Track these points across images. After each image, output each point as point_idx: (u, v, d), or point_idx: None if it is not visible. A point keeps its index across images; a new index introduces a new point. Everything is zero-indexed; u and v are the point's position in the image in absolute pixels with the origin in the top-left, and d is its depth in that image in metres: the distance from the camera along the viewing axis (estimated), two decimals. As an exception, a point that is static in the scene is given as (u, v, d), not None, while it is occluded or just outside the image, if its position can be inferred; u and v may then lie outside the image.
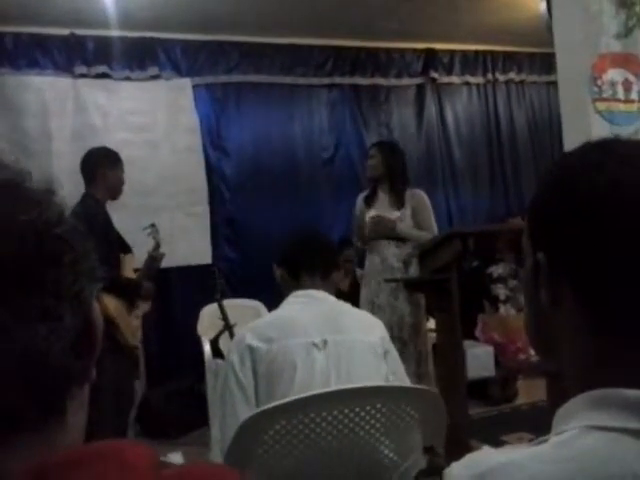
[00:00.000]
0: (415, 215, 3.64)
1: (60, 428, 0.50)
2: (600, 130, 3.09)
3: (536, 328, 0.73)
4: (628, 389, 0.59)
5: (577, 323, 0.65)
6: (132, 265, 3.39)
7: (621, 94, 3.20)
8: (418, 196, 3.70)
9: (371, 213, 3.68)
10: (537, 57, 6.29)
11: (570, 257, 0.64)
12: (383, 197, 3.72)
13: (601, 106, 3.17)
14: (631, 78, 3.20)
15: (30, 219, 0.48)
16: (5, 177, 0.50)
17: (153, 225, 3.55)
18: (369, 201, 3.76)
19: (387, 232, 3.57)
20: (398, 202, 3.64)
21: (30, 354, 0.46)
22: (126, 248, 3.36)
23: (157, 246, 3.49)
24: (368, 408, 1.57)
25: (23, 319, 0.46)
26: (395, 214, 3.61)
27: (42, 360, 0.46)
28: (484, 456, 0.62)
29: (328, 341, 1.74)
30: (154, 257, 3.45)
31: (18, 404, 0.46)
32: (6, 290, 0.45)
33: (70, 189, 3.52)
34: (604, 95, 3.18)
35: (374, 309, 3.57)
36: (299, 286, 1.88)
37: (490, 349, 2.90)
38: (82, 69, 4.80)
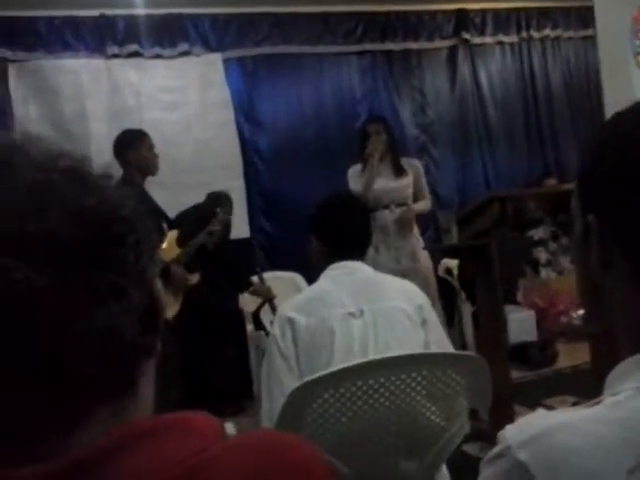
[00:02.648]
0: (415, 183, 3.92)
1: (134, 400, 0.53)
2: (642, 85, 3.00)
3: (586, 290, 0.73)
4: None
5: (629, 285, 0.64)
6: (174, 239, 3.46)
7: (664, 47, 3.09)
8: (415, 165, 4.02)
9: (377, 184, 3.78)
10: (572, 12, 6.09)
11: (622, 218, 0.64)
12: (384, 168, 3.86)
13: (643, 60, 3.07)
14: (675, 30, 3.08)
15: (96, 203, 0.50)
16: (68, 164, 0.52)
17: (219, 207, 3.74)
18: None
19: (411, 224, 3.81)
20: (402, 171, 3.89)
21: (107, 331, 0.48)
22: (170, 224, 3.45)
23: (217, 222, 3.60)
24: (414, 375, 1.59)
25: (99, 298, 0.48)
26: (403, 182, 3.86)
27: (117, 336, 0.49)
28: (538, 418, 0.63)
29: (364, 310, 1.77)
30: (212, 232, 3.55)
31: (97, 378, 0.48)
32: (82, 271, 0.48)
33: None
34: (646, 49, 3.07)
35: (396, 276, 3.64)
36: (335, 259, 1.89)
37: (532, 313, 2.89)
38: (114, 49, 4.84)
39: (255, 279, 4.20)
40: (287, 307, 1.81)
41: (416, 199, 3.90)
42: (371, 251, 3.79)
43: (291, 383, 1.65)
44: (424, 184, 3.98)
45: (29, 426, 0.47)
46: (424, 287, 3.62)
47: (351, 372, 1.56)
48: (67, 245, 0.47)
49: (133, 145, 3.35)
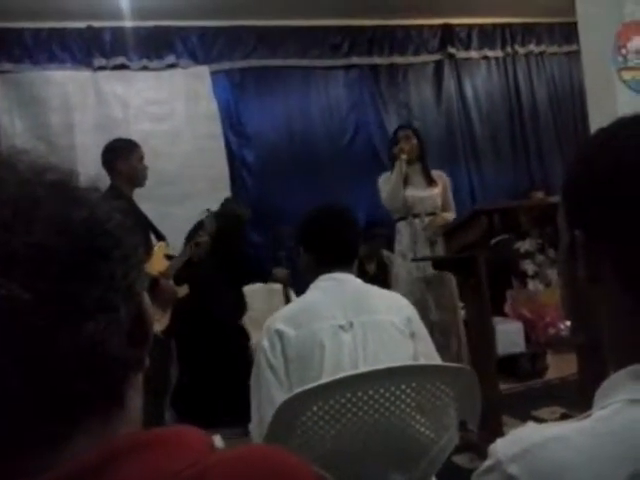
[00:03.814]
0: (442, 194, 3.92)
1: (121, 414, 0.52)
2: (626, 100, 3.04)
3: (573, 304, 0.73)
4: None
5: (617, 298, 0.65)
6: (163, 252, 3.42)
7: (647, 62, 3.14)
8: (444, 177, 4.01)
9: (409, 191, 3.81)
10: (556, 27, 6.18)
11: (609, 233, 0.64)
12: (414, 177, 3.88)
13: (626, 75, 3.12)
14: (657, 46, 3.14)
15: (82, 217, 0.50)
16: (55, 178, 0.52)
17: (209, 210, 3.64)
18: (404, 180, 3.86)
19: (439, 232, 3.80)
20: (432, 181, 3.91)
21: (94, 345, 0.48)
22: (159, 235, 3.41)
23: (204, 232, 3.52)
24: (403, 387, 1.58)
25: (86, 312, 0.48)
26: (434, 191, 3.88)
27: (103, 350, 0.49)
28: (528, 432, 0.63)
29: (354, 323, 1.76)
30: (198, 243, 3.49)
31: (85, 392, 0.48)
32: (68, 286, 0.47)
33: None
34: (629, 64, 3.12)
35: (420, 283, 3.67)
36: (323, 271, 1.89)
37: (520, 325, 2.90)
38: (101, 61, 4.84)
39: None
40: (276, 319, 1.80)
41: (443, 210, 3.92)
42: (399, 259, 3.84)
43: (280, 396, 1.64)
44: (451, 196, 4.02)
45: (17, 441, 0.47)
46: (448, 295, 3.70)
47: (340, 384, 1.55)
48: (53, 259, 0.47)
49: (124, 155, 3.30)
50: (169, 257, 3.45)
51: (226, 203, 4.25)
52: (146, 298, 0.57)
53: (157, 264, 3.34)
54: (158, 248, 3.38)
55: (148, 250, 3.22)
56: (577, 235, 0.67)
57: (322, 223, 1.93)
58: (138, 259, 0.55)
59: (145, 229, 3.34)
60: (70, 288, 0.47)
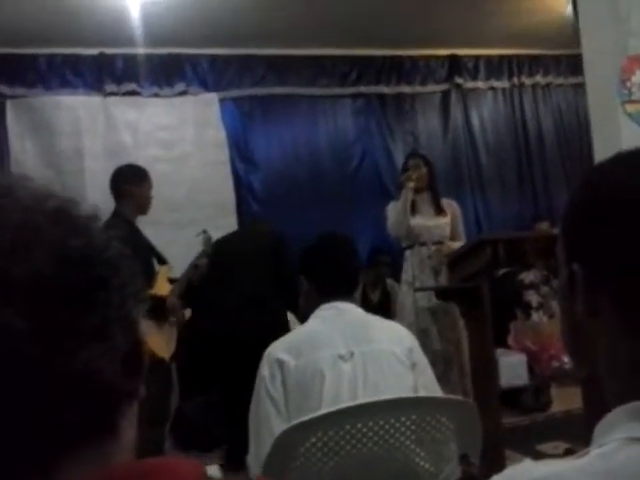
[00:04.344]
0: (451, 223, 3.91)
1: (114, 445, 0.52)
2: (630, 133, 3.05)
3: (573, 338, 0.73)
4: None
5: (615, 333, 0.64)
6: (167, 275, 3.43)
7: (651, 96, 3.16)
8: (454, 206, 4.03)
9: (416, 220, 3.81)
10: (563, 59, 6.23)
11: (608, 266, 0.64)
12: (422, 205, 3.89)
13: (630, 108, 3.13)
14: (661, 80, 3.16)
15: (80, 245, 0.51)
16: (55, 205, 0.52)
17: (205, 231, 3.62)
18: (412, 209, 3.87)
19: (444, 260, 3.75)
20: (441, 210, 3.91)
21: (88, 374, 0.48)
22: (161, 259, 3.42)
23: (203, 254, 3.52)
24: (403, 419, 1.57)
25: (81, 341, 0.48)
26: (442, 221, 3.88)
27: (98, 379, 0.49)
28: (526, 468, 0.62)
29: (354, 352, 1.75)
30: (197, 265, 3.48)
31: (77, 422, 0.48)
32: (64, 313, 0.48)
33: (103, 207, 3.59)
34: (633, 97, 3.14)
35: (425, 313, 3.65)
36: (324, 300, 1.89)
37: (523, 357, 2.87)
38: (112, 87, 4.91)
39: None
40: (276, 347, 1.79)
41: (451, 239, 3.89)
42: (404, 287, 3.82)
43: (279, 426, 1.63)
44: (460, 226, 4.00)
45: (8, 468, 0.46)
46: (452, 326, 3.66)
47: (339, 415, 1.54)
48: (50, 287, 0.47)
49: (136, 181, 3.33)
50: (172, 281, 3.46)
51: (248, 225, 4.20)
52: (143, 327, 0.57)
53: (161, 288, 3.35)
54: (161, 272, 3.39)
55: (150, 276, 3.23)
56: (575, 269, 0.67)
57: (323, 252, 1.94)
58: (136, 288, 0.55)
59: (148, 254, 3.35)
60: (67, 317, 0.47)
